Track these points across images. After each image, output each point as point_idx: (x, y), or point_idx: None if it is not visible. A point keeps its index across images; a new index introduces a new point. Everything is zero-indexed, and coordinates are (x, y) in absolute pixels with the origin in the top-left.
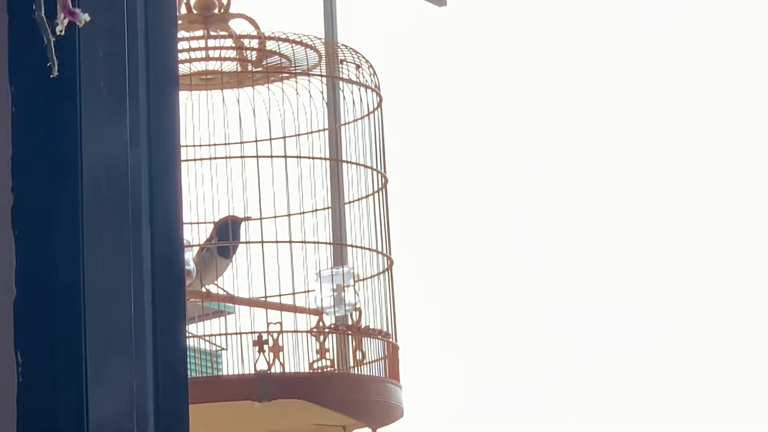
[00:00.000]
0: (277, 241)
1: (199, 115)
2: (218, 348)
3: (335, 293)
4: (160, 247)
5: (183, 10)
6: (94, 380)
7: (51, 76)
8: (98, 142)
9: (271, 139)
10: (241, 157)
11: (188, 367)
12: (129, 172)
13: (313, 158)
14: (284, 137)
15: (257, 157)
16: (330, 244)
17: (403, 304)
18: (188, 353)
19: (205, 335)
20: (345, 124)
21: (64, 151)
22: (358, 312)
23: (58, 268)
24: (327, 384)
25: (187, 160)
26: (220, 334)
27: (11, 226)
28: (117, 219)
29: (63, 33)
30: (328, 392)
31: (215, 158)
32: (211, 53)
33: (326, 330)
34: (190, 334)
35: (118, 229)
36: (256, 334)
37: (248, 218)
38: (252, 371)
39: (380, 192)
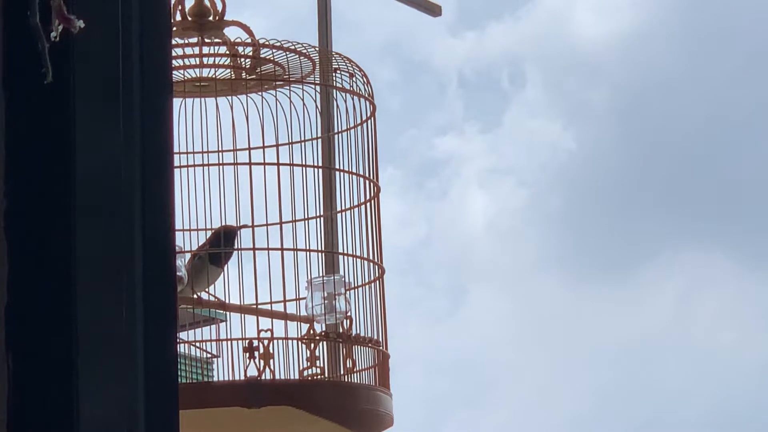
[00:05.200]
0: (268, 249)
1: (192, 122)
2: (210, 356)
3: (326, 301)
4: (152, 254)
5: (178, 17)
6: (86, 387)
7: (45, 82)
8: (92, 148)
9: (264, 147)
10: (234, 164)
11: (180, 374)
12: (122, 179)
13: (306, 166)
14: (277, 145)
15: (250, 164)
16: (322, 252)
17: (394, 312)
18: (181, 360)
19: (195, 342)
20: (338, 132)
21: (58, 156)
22: (348, 320)
23: (50, 273)
24: (317, 391)
25: (180, 167)
26: (211, 340)
27: (4, 231)
28: (109, 225)
29: (57, 39)
30: (318, 400)
31: (208, 165)
32: (205, 60)
33: (317, 338)
34: (181, 341)
35: (110, 235)
36: (247, 341)
37: (244, 226)
38: (242, 378)
39: (372, 201)
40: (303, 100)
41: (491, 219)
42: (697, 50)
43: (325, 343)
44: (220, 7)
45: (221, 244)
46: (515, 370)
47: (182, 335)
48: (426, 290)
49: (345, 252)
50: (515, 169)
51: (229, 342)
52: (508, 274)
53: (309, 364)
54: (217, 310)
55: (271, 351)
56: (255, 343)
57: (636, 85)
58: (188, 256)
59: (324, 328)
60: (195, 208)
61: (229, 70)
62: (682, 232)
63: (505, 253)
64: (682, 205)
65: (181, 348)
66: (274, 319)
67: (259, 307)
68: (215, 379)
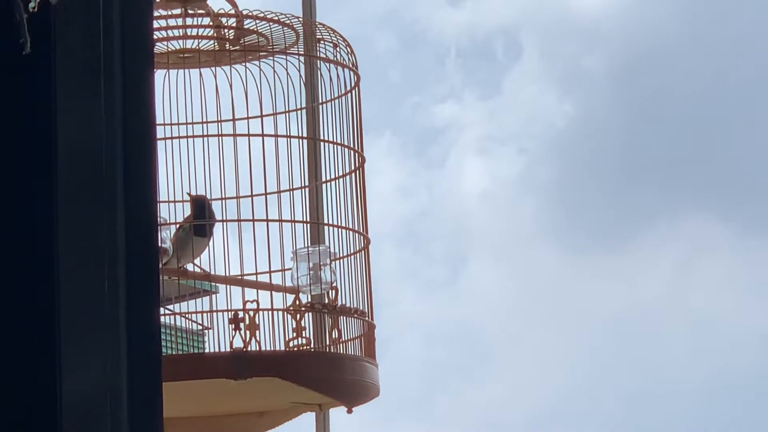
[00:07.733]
0: (253, 220)
1: (176, 93)
2: (201, 328)
3: (312, 272)
4: (135, 225)
5: None
6: (68, 357)
7: (23, 53)
8: (73, 119)
9: (248, 118)
10: (219, 135)
11: (172, 345)
12: (104, 150)
13: (290, 137)
14: (261, 116)
15: (234, 135)
16: (307, 222)
17: (392, 282)
18: (171, 332)
19: (186, 313)
20: (322, 103)
21: (40, 127)
22: (334, 291)
23: (32, 244)
24: (303, 362)
25: (164, 139)
26: (197, 312)
27: None
28: (92, 196)
29: (35, 9)
30: (304, 370)
31: (193, 137)
32: (188, 31)
33: (303, 308)
34: (171, 312)
35: (92, 207)
36: (233, 312)
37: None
38: (228, 349)
39: (357, 171)
40: (287, 70)
41: (489, 187)
42: (698, 14)
43: (310, 313)
44: None
45: (205, 216)
46: (512, 339)
47: (174, 307)
48: (424, 259)
49: (330, 223)
50: (514, 136)
51: (215, 314)
52: (506, 243)
53: (295, 335)
54: (210, 282)
55: (257, 322)
56: (240, 314)
57: (634, 51)
58: (173, 228)
59: (310, 299)
60: (180, 180)
61: (212, 41)
62: (680, 199)
63: (503, 222)
64: (680, 172)
65: (172, 320)
66: (259, 290)
67: (245, 278)
68: (207, 350)
